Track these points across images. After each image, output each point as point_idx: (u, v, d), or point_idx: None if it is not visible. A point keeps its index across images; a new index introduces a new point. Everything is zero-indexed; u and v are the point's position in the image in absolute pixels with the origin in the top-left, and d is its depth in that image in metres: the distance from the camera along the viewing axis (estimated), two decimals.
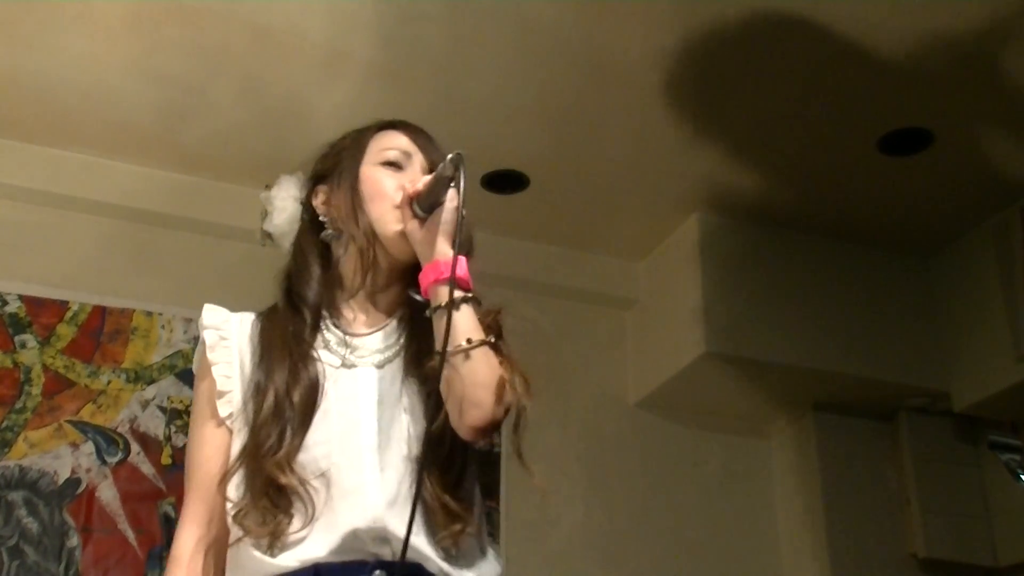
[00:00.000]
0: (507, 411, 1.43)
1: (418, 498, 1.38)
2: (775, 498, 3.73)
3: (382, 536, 1.40)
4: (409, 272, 1.55)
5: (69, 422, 3.01)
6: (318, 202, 1.62)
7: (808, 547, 3.56)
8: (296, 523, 1.40)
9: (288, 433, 1.44)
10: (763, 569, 3.62)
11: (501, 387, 1.41)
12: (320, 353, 1.52)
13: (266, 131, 3.15)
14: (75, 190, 3.22)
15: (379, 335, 1.56)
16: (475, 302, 1.45)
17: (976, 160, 3.25)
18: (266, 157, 3.24)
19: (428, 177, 1.50)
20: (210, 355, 1.52)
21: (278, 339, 1.52)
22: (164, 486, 3.01)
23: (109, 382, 3.09)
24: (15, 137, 3.17)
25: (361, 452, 1.45)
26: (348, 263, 1.57)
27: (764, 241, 3.56)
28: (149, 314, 3.20)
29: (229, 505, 1.44)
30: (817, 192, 3.42)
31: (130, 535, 2.94)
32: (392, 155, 1.59)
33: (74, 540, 2.89)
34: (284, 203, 1.65)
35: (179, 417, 3.10)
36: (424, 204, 1.49)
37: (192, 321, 3.22)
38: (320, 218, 1.61)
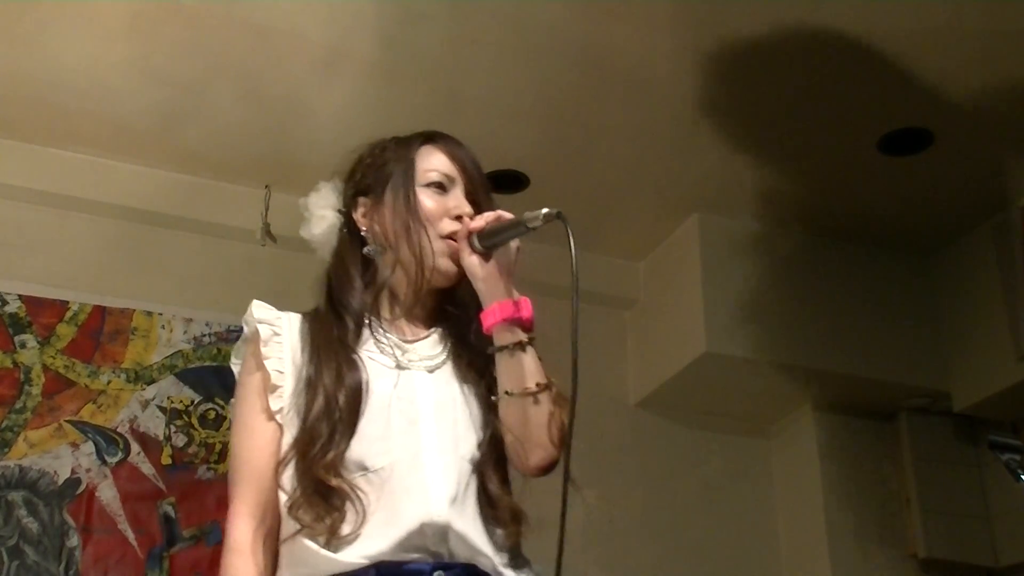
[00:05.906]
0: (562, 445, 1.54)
1: (480, 496, 1.47)
2: (775, 498, 3.74)
3: (444, 533, 1.43)
4: (446, 288, 1.63)
5: (69, 422, 3.01)
6: (359, 215, 1.64)
7: (808, 547, 3.56)
8: (349, 520, 1.42)
9: (337, 435, 1.46)
10: (763, 569, 3.62)
11: (559, 428, 1.56)
12: (372, 355, 1.55)
13: (266, 131, 3.15)
14: (75, 190, 3.22)
15: (427, 342, 1.62)
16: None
17: (976, 160, 3.25)
18: (266, 157, 3.24)
19: (492, 215, 1.57)
20: (264, 349, 1.53)
21: (324, 341, 1.55)
22: (164, 486, 3.01)
23: (109, 382, 3.09)
24: (15, 137, 3.17)
25: (420, 451, 1.48)
26: (396, 281, 1.61)
27: (764, 241, 3.56)
28: (149, 314, 3.20)
29: (284, 497, 1.46)
30: (817, 192, 3.42)
31: (130, 535, 2.93)
32: (436, 177, 1.62)
33: (74, 540, 2.89)
34: (323, 212, 1.67)
35: (179, 417, 3.10)
36: (487, 241, 1.56)
37: (192, 321, 3.22)
38: (361, 231, 1.63)
